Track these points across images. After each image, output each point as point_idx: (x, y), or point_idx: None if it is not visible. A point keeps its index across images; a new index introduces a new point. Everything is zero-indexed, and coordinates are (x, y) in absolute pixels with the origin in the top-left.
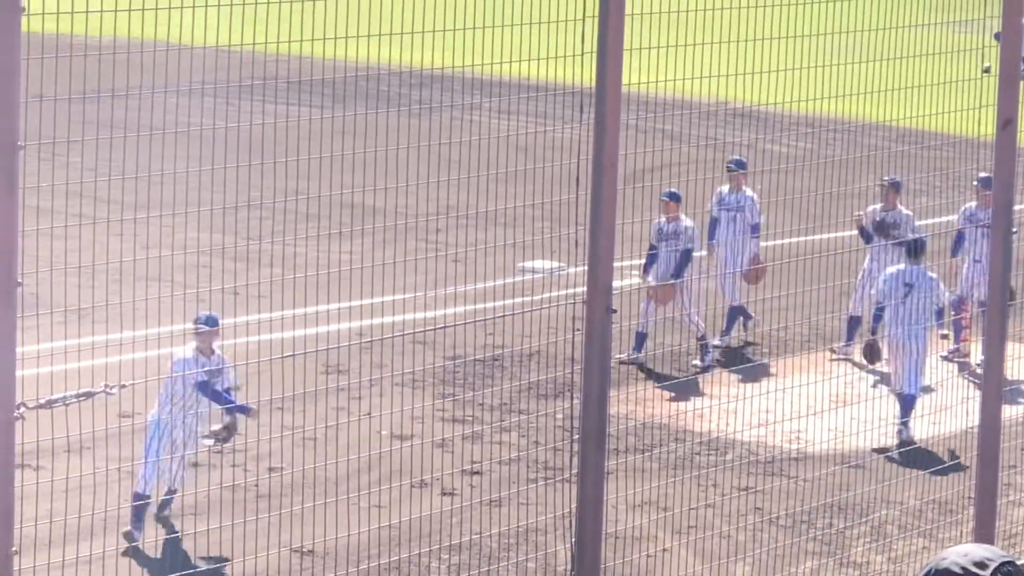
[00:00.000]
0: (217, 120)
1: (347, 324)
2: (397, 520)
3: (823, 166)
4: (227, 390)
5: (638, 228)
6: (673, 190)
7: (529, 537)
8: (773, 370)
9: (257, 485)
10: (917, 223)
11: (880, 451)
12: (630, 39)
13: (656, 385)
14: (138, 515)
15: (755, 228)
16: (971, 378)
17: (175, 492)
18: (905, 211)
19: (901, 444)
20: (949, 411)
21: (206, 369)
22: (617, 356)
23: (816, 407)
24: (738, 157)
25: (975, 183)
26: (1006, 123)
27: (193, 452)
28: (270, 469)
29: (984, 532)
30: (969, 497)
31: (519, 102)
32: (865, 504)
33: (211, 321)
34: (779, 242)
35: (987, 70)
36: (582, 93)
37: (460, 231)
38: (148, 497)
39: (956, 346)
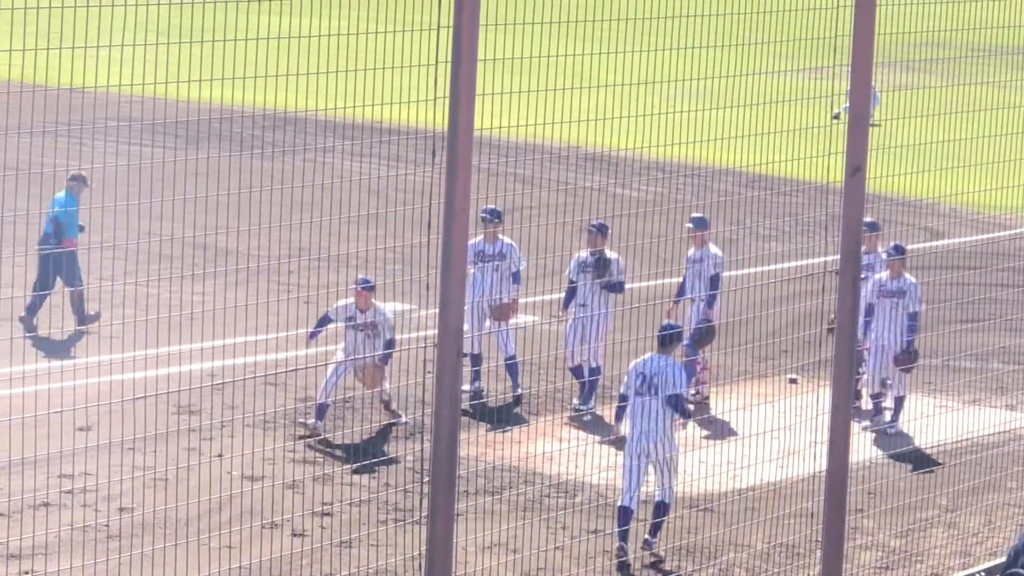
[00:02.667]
0: (70, 160)
1: (199, 365)
2: (248, 561)
3: (674, 211)
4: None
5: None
6: (600, 221)
7: None
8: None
9: (108, 525)
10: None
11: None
12: (482, 84)
13: (503, 430)
14: (320, 414)
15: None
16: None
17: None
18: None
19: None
20: (797, 455)
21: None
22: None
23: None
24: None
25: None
26: (855, 170)
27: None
28: (120, 509)
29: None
30: (816, 541)
31: (372, 145)
32: (713, 547)
33: (364, 282)
34: (635, 285)
35: (836, 117)
36: (435, 137)
37: (312, 273)
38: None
39: (696, 389)
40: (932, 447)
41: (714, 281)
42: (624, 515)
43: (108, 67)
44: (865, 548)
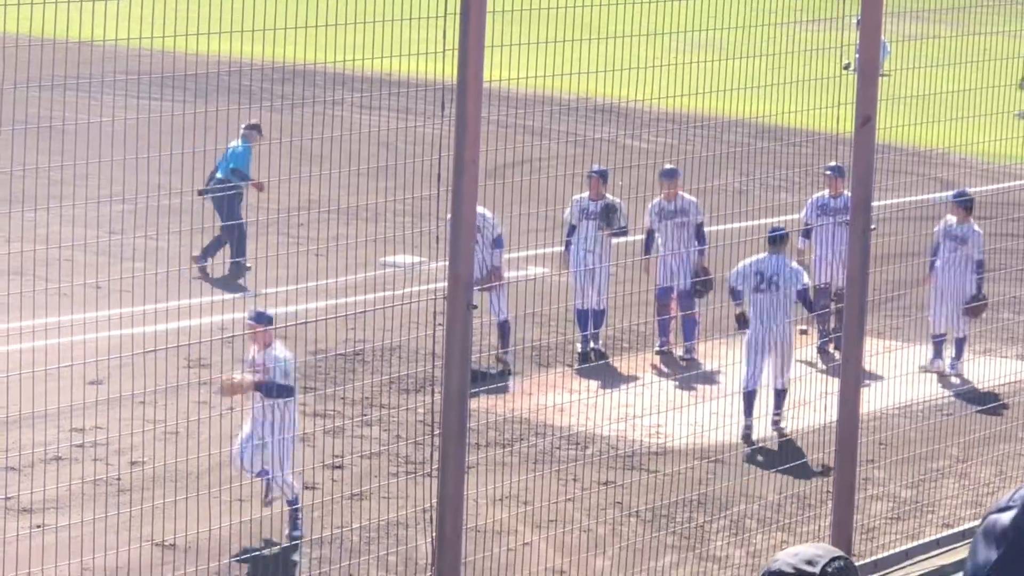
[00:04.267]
0: (80, 114)
1: (209, 318)
2: (259, 514)
3: (684, 162)
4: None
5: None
6: (601, 167)
7: (391, 531)
8: (632, 365)
9: (119, 479)
10: (777, 219)
11: (753, 445)
12: (491, 36)
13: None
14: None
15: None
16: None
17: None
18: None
19: (778, 434)
20: (808, 406)
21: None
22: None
23: (676, 402)
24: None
25: (826, 172)
26: (865, 120)
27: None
28: (132, 463)
29: (842, 526)
30: (828, 491)
31: (382, 98)
32: (725, 498)
33: (262, 318)
34: (639, 238)
35: (847, 67)
36: (444, 89)
37: (322, 226)
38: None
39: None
40: (943, 398)
41: (700, 230)
42: (748, 398)
43: (116, 21)
44: (876, 499)
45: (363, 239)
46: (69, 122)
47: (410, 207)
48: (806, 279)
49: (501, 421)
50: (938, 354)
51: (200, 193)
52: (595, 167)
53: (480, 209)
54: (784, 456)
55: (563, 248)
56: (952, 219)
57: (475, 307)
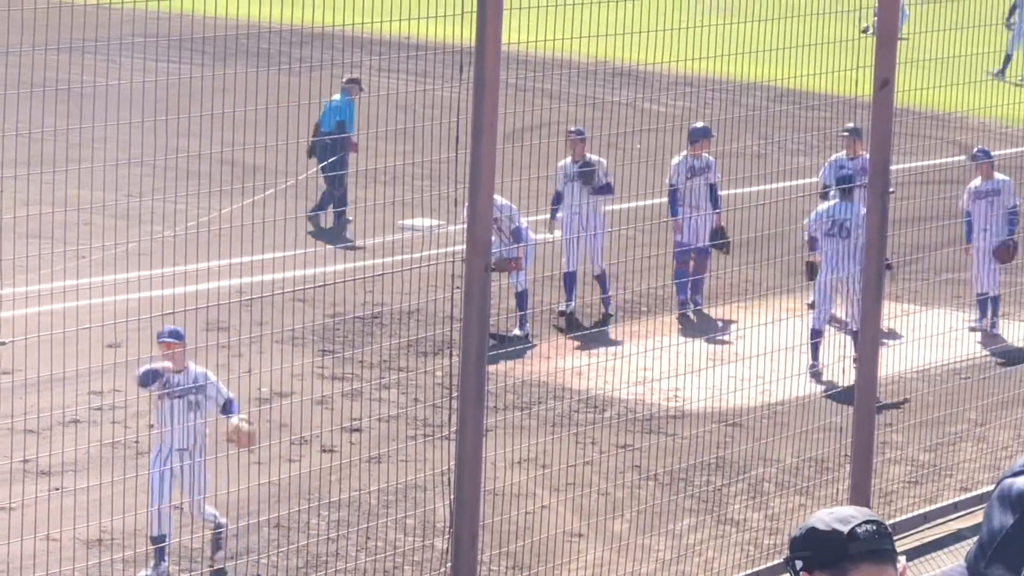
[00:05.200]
0: (97, 77)
1: (227, 281)
2: (277, 477)
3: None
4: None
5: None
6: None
7: (409, 494)
8: (650, 328)
9: (137, 442)
10: (795, 182)
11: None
12: None
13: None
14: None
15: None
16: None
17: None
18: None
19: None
20: (827, 368)
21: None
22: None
23: (694, 365)
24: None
25: (843, 133)
26: (883, 83)
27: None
28: (150, 426)
29: (860, 489)
30: (846, 455)
31: (399, 61)
32: (743, 462)
33: (175, 335)
34: (656, 201)
35: (865, 31)
36: (462, 52)
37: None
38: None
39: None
40: (961, 360)
41: (715, 190)
42: (815, 341)
43: None
44: (894, 462)
45: (381, 202)
46: (88, 84)
47: (428, 170)
48: None
49: (519, 384)
50: (984, 313)
51: (309, 154)
52: (572, 128)
53: (500, 199)
54: (802, 420)
55: (549, 216)
56: (977, 180)
57: (494, 269)
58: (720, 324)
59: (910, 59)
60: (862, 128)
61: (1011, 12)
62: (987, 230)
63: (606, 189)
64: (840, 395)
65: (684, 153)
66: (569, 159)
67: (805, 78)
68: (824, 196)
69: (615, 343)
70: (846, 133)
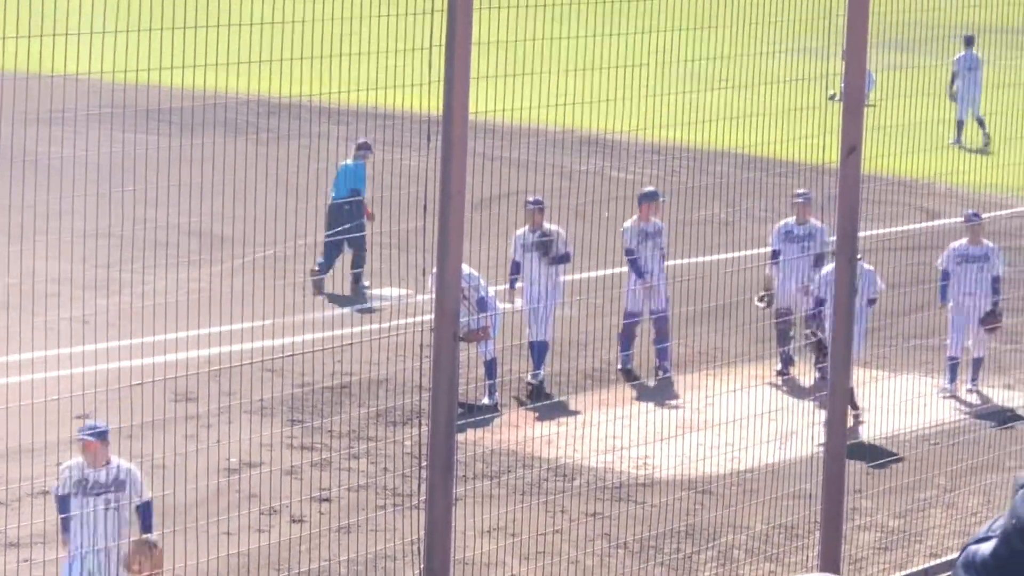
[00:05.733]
0: (65, 148)
1: (196, 352)
2: (247, 547)
3: (671, 193)
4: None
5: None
6: (538, 198)
7: (379, 564)
8: (618, 397)
9: None
10: (762, 250)
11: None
12: (477, 67)
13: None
14: None
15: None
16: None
17: None
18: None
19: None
20: (795, 436)
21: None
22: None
23: (663, 433)
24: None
25: (796, 199)
26: (851, 150)
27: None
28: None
29: (830, 556)
30: (816, 521)
31: (367, 130)
32: (712, 529)
33: (100, 432)
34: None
35: (832, 97)
36: (430, 121)
37: (308, 259)
38: None
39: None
40: (931, 427)
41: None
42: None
43: (101, 54)
44: (864, 529)
45: (350, 271)
46: (54, 156)
47: (396, 239)
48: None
49: (488, 453)
50: (954, 377)
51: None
52: (530, 199)
53: (466, 268)
54: (771, 487)
55: (508, 285)
56: (963, 242)
57: (462, 338)
58: (689, 391)
59: (878, 125)
60: (812, 194)
61: (952, 81)
62: (973, 295)
63: (564, 259)
64: (809, 461)
65: (635, 217)
66: (527, 228)
67: (772, 145)
68: (774, 259)
69: (577, 412)
70: (799, 199)
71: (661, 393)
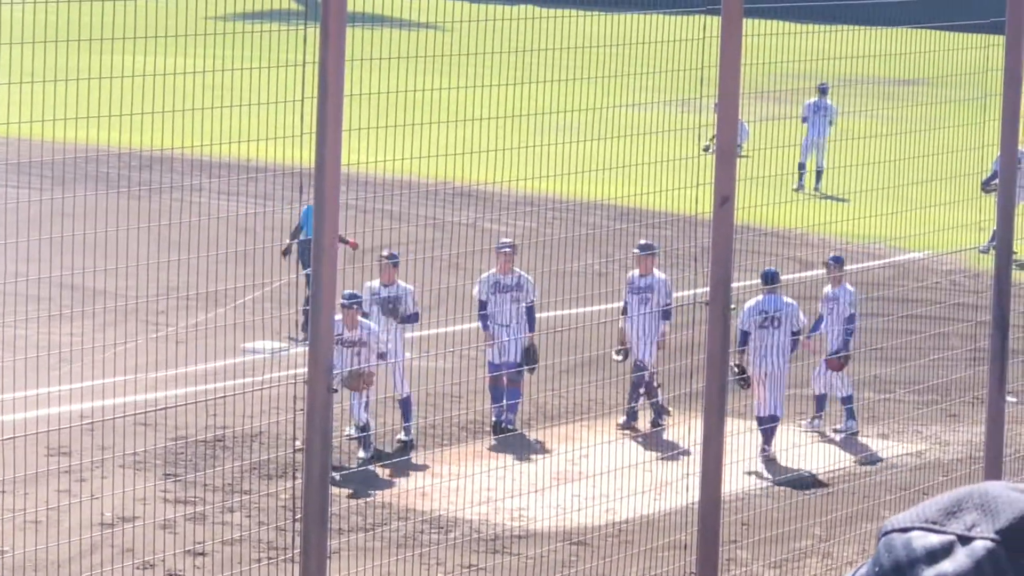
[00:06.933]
0: None
1: (70, 406)
2: None
3: (543, 245)
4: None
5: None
6: (392, 251)
7: None
8: (492, 448)
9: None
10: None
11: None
12: (349, 119)
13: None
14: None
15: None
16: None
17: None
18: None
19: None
20: (670, 486)
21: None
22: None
23: (538, 484)
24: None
25: (635, 251)
26: (724, 200)
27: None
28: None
29: None
30: (692, 572)
31: (240, 183)
32: None
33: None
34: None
35: (706, 148)
36: (302, 173)
37: (182, 312)
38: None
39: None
40: (806, 477)
41: (532, 311)
42: (766, 422)
43: None
44: None
45: (223, 325)
46: None
47: (270, 292)
48: (802, 316)
49: (364, 506)
50: (821, 408)
51: (284, 253)
52: (385, 252)
53: (372, 324)
54: (647, 537)
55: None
56: (827, 287)
57: (335, 391)
58: (563, 443)
59: (750, 175)
60: (656, 245)
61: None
62: (831, 332)
63: (413, 318)
64: (684, 512)
65: (492, 270)
66: (378, 282)
67: (646, 196)
68: (624, 312)
69: (451, 464)
70: (637, 251)
71: (535, 445)
